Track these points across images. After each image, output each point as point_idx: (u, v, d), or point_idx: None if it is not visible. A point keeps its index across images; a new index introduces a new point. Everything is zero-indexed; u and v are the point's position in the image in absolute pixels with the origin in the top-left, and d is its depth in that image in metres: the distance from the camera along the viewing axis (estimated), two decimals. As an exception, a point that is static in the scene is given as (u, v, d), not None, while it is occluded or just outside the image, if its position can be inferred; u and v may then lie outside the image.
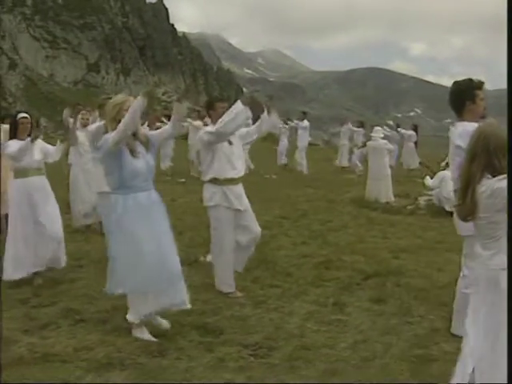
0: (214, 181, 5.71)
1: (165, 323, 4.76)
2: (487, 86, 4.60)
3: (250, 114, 5.63)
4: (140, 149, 4.61)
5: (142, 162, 4.56)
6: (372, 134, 13.22)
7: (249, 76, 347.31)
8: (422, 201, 11.89)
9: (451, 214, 10.70)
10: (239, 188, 5.84)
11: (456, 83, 4.59)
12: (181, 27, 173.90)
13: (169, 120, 11.14)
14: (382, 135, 13.26)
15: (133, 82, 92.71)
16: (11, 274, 5.94)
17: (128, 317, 4.66)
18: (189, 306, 4.70)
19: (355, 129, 19.84)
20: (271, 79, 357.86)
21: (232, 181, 5.73)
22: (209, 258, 6.38)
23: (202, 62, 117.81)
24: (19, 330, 4.73)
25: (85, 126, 8.59)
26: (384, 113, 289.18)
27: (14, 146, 6.05)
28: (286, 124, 20.45)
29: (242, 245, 5.88)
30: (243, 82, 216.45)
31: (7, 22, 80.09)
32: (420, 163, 13.05)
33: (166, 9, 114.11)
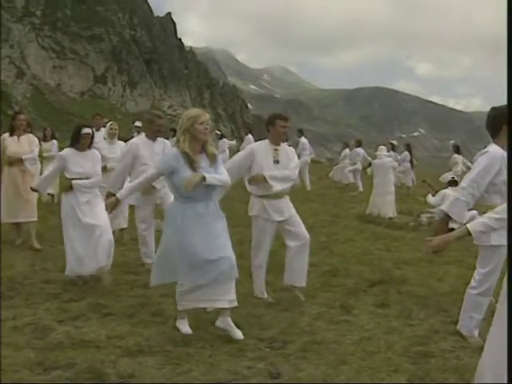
0: (255, 194, 6.01)
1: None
2: (487, 108, 4.97)
3: None
4: (204, 162, 4.73)
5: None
6: (377, 153, 13.72)
7: (254, 92, 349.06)
8: (423, 217, 12.35)
9: (452, 230, 11.22)
10: (280, 201, 5.98)
11: (494, 108, 4.87)
12: (188, 41, 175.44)
13: (175, 134, 11.32)
14: (387, 153, 13.75)
15: (139, 95, 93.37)
16: (76, 270, 6.37)
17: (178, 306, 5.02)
18: (234, 304, 4.87)
19: (357, 149, 19.99)
20: (277, 96, 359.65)
21: (269, 196, 5.89)
22: None
23: (207, 77, 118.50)
24: (54, 320, 5.21)
25: (113, 136, 8.94)
26: (389, 133, 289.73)
27: (68, 155, 6.46)
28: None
29: (291, 250, 6.06)
30: (248, 98, 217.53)
31: (16, 32, 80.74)
32: (423, 182, 13.55)
33: (174, 23, 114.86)
